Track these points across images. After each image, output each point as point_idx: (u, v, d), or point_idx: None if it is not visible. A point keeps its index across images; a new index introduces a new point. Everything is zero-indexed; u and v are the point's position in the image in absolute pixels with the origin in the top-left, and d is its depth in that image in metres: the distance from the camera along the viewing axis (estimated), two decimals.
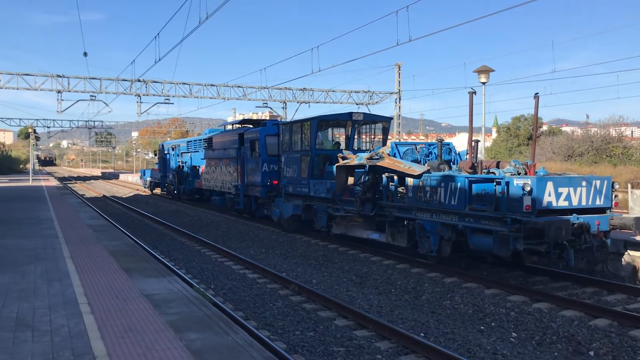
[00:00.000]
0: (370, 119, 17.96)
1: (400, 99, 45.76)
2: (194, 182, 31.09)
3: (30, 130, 52.11)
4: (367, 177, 14.40)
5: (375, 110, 51.48)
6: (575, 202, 10.61)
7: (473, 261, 13.27)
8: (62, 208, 21.52)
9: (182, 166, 32.97)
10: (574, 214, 10.52)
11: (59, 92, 39.06)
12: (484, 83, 17.68)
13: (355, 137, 17.95)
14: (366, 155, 14.58)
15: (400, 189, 13.54)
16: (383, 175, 13.85)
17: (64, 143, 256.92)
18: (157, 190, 41.12)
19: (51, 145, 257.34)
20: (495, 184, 10.70)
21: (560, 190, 10.45)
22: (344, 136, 18.36)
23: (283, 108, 46.33)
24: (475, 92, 12.24)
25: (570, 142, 55.83)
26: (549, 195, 10.32)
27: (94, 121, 71.25)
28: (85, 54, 25.33)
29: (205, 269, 13.21)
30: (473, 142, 12.38)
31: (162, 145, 39.10)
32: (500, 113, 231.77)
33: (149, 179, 43.93)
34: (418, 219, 12.63)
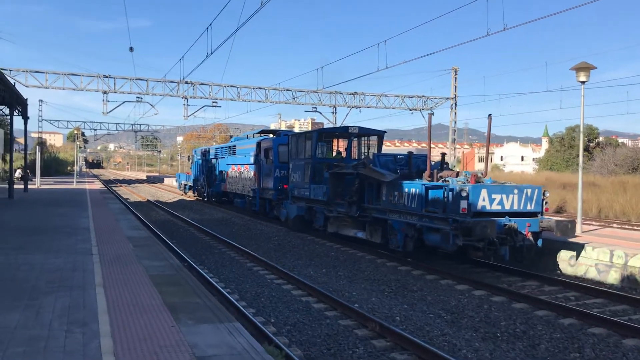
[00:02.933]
0: (365, 132, 20.26)
1: (456, 104, 43.36)
2: (220, 186, 33.40)
3: (76, 132, 51.30)
4: (355, 183, 16.21)
5: (435, 116, 48.96)
6: (507, 207, 12.58)
7: (429, 255, 14.86)
8: (102, 215, 19.92)
9: (211, 171, 35.49)
10: (507, 217, 12.42)
11: (104, 92, 38.13)
12: (583, 82, 15.08)
13: (354, 147, 20.69)
14: (353, 164, 17.07)
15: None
16: (366, 182, 15.83)
17: (111, 146, 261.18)
18: (190, 193, 43.25)
19: (98, 147, 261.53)
20: (443, 190, 12.58)
21: (493, 196, 12.43)
22: (344, 146, 21.09)
23: (333, 113, 44.58)
24: (433, 114, 14.90)
25: (635, 154, 52.06)
26: (483, 200, 12.34)
27: (140, 124, 70.86)
28: (131, 49, 23.74)
29: (261, 294, 11.13)
30: (440, 155, 15.55)
31: (195, 152, 41.76)
32: (550, 123, 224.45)
33: (183, 182, 46.46)
34: (389, 219, 14.67)
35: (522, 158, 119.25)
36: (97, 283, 8.12)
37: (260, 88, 42.47)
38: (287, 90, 42.58)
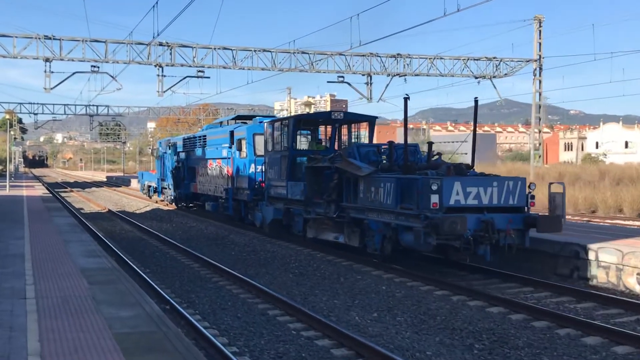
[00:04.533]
0: (353, 118, 23.27)
1: (540, 70, 42.21)
2: (190, 186, 36.07)
3: (9, 117, 50.71)
4: (334, 179, 18.50)
5: (505, 87, 48.19)
6: (485, 201, 14.92)
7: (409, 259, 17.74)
8: (44, 234, 19.48)
9: (179, 167, 38.08)
10: (485, 212, 14.80)
11: (47, 60, 37.68)
12: None
13: (343, 136, 23.51)
14: (329, 156, 19.55)
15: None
16: (344, 177, 18.17)
17: (58, 137, 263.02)
18: (156, 197, 45.70)
19: (42, 139, 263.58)
20: (416, 184, 15.03)
21: (469, 189, 14.74)
22: (326, 136, 24.09)
23: (367, 83, 43.58)
24: (409, 98, 17.18)
25: None
26: (457, 194, 14.63)
27: (97, 105, 70.22)
28: None
29: (285, 354, 10.15)
30: (427, 144, 18.90)
31: (160, 143, 45.37)
32: None
33: (147, 182, 49.70)
34: (366, 219, 17.18)
35: (627, 144, 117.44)
36: (30, 351, 7.10)
37: (264, 50, 41.87)
38: (303, 52, 41.88)
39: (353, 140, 23.22)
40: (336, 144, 23.38)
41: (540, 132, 44.33)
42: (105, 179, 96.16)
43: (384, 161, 18.24)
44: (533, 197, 15.72)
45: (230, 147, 28.34)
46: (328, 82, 44.04)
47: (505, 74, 44.00)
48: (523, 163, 52.77)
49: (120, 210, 38.09)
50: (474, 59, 44.79)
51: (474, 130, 18.73)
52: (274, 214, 22.99)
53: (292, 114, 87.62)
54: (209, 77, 43.79)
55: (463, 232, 14.08)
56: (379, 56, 43.48)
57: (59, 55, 38.16)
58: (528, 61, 43.35)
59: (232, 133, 28.24)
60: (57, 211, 29.12)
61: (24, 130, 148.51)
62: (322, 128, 24.44)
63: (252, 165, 26.17)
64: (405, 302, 13.70)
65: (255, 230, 26.52)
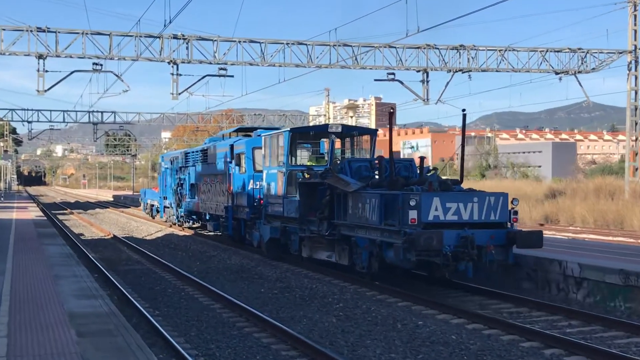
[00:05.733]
0: (351, 131, 26.22)
1: (637, 62, 41.16)
2: (191, 204, 39.01)
3: None
4: (326, 195, 20.87)
5: (591, 84, 46.91)
6: (465, 217, 17.37)
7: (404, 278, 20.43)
8: (30, 268, 19.28)
9: (182, 184, 41.01)
10: (466, 228, 17.16)
11: (40, 57, 37.60)
12: None
13: (346, 149, 26.43)
14: (321, 172, 21.97)
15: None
16: (335, 193, 20.51)
17: (58, 149, 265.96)
18: (159, 217, 49.18)
19: (39, 152, 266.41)
20: (398, 200, 17.42)
21: (448, 205, 17.25)
22: (324, 149, 26.57)
23: (422, 81, 42.92)
24: (393, 111, 20.74)
25: None
26: (436, 209, 17.13)
27: (102, 112, 70.28)
28: None
29: None
30: (418, 158, 21.45)
31: (162, 158, 49.87)
32: None
33: (149, 201, 53.96)
34: (354, 236, 19.61)
35: None
36: None
37: (298, 43, 41.83)
38: (345, 45, 41.56)
39: (355, 154, 25.99)
40: (335, 158, 25.06)
41: (637, 139, 43.04)
42: (111, 198, 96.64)
43: (372, 176, 20.79)
44: (516, 212, 18.34)
45: (230, 162, 30.86)
46: (375, 80, 43.78)
47: (593, 69, 43.29)
48: (616, 178, 51.14)
49: (127, 236, 38.25)
50: (554, 51, 44.25)
51: (462, 144, 20.83)
52: (271, 232, 25.39)
53: (331, 121, 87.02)
54: (232, 76, 44.00)
55: (440, 248, 16.37)
56: (438, 48, 43.13)
57: (55, 51, 38.25)
58: (621, 53, 42.81)
59: (232, 147, 30.78)
60: (50, 238, 29.08)
61: (18, 142, 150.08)
62: (313, 141, 27.09)
63: (251, 182, 28.65)
64: (483, 357, 13.02)
65: (290, 261, 26.40)
